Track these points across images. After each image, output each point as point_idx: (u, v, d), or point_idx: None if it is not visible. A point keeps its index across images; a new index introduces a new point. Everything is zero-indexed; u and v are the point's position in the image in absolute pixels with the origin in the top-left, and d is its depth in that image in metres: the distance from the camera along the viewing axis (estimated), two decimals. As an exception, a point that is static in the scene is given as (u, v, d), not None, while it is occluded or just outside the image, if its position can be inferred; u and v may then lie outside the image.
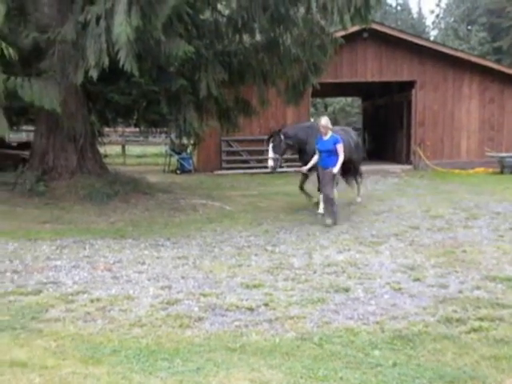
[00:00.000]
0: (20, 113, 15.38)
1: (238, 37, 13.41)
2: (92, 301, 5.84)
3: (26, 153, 15.82)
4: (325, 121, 10.43)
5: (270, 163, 11.25)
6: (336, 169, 10.13)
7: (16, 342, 4.76)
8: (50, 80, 10.30)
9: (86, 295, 6.04)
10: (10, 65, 9.34)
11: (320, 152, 10.34)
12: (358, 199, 12.68)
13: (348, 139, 11.68)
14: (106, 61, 9.04)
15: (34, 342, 4.76)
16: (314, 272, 7.03)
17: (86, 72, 9.69)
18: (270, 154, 11.23)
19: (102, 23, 8.94)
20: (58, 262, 7.41)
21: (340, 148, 10.14)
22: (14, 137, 25.80)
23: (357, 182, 12.86)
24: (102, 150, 14.86)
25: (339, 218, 10.31)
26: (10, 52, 8.64)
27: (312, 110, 29.35)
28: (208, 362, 4.39)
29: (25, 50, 10.05)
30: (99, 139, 15.28)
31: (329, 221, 10.05)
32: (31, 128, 21.64)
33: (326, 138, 10.29)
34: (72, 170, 12.25)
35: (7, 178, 12.61)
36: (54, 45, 10.36)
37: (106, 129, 17.96)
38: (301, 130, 11.70)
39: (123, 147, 25.57)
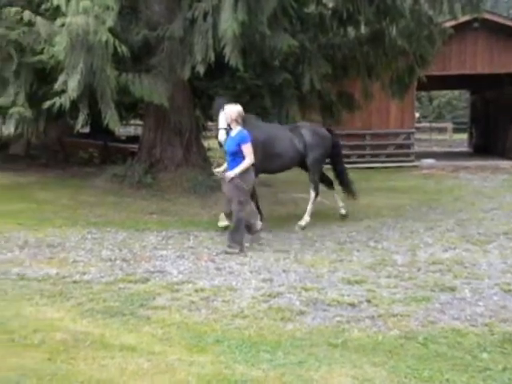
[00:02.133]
0: (129, 108, 16.07)
1: (342, 30, 13.27)
2: (196, 290, 5.98)
3: (135, 146, 16.49)
4: (231, 109, 7.80)
5: (221, 136, 8.57)
6: (231, 174, 7.59)
7: (125, 327, 4.96)
8: (159, 76, 10.65)
9: (190, 285, 6.19)
10: (121, 61, 9.73)
11: (226, 153, 7.99)
12: (302, 222, 9.51)
13: (288, 138, 9.40)
14: (212, 56, 9.24)
15: (142, 328, 4.94)
16: (418, 270, 6.84)
17: (193, 67, 9.94)
18: (221, 123, 8.54)
19: (209, 19, 9.14)
20: (164, 252, 7.65)
21: (247, 149, 7.61)
22: (122, 131, 27.00)
23: (311, 198, 9.79)
24: (205, 143, 15.21)
25: (245, 244, 7.86)
26: (123, 49, 9.00)
27: (416, 103, 28.56)
28: (310, 356, 4.38)
29: (135, 47, 10.43)
30: (203, 133, 15.65)
31: (232, 249, 7.64)
32: (139, 122, 22.55)
33: (233, 134, 7.81)
34: (177, 162, 12.62)
35: (117, 171, 13.17)
36: (162, 41, 10.70)
37: (210, 123, 18.34)
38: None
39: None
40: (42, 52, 9.46)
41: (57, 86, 9.06)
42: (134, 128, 30.19)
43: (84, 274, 6.57)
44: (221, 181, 8.37)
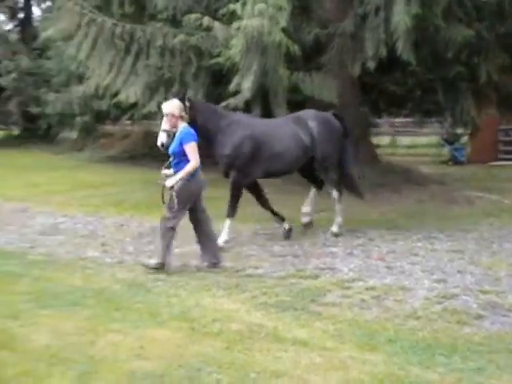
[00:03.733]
0: (297, 106, 16.30)
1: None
2: (367, 289, 5.93)
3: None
4: (169, 106, 6.69)
5: (161, 139, 6.94)
6: (171, 182, 6.43)
7: (297, 322, 5.05)
8: (329, 73, 10.71)
9: (361, 283, 6.15)
10: (293, 61, 9.91)
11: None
12: (334, 228, 8.56)
13: (292, 131, 8.12)
14: (384, 51, 9.09)
15: (313, 323, 5.00)
16: None
17: (363, 63, 9.86)
18: (164, 125, 6.95)
19: (381, 14, 9.02)
20: (334, 249, 7.67)
21: (190, 149, 6.43)
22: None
23: (336, 198, 8.68)
24: (374, 140, 15.01)
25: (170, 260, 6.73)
26: (295, 48, 9.18)
27: None
28: (490, 363, 4.15)
29: (306, 46, 10.56)
30: (371, 130, 15.45)
31: (153, 261, 6.59)
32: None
33: (178, 132, 6.65)
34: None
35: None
36: (333, 39, 10.73)
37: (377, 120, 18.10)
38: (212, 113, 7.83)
39: (393, 137, 25.48)
40: (218, 55, 9.95)
41: (231, 88, 9.46)
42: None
43: (257, 268, 6.79)
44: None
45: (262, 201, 8.34)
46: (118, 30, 11.34)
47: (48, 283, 5.98)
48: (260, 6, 8.45)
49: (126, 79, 11.75)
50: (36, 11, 30.19)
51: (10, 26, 29.64)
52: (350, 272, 6.57)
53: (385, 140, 24.04)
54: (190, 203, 6.59)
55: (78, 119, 22.11)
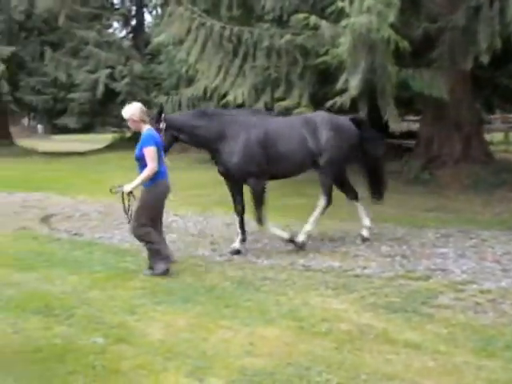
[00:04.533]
0: (405, 103, 15.92)
1: None
2: (482, 292, 5.69)
3: (409, 142, 16.31)
4: (128, 110, 6.37)
5: None
6: (129, 187, 6.26)
7: (408, 324, 4.93)
8: (439, 69, 10.38)
9: (474, 285, 5.91)
10: (401, 57, 9.70)
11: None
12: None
13: (298, 134, 7.60)
14: (499, 44, 8.69)
15: (425, 326, 4.86)
16: None
17: (476, 58, 9.47)
18: None
19: (496, 5, 8.61)
20: (445, 250, 7.42)
21: (148, 153, 6.13)
22: (396, 127, 26.87)
23: (320, 205, 7.87)
24: (487, 137, 14.39)
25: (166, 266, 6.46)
26: (404, 44, 8.97)
27: None
28: None
29: (415, 41, 10.29)
30: (485, 126, 14.83)
31: (148, 271, 6.43)
32: (412, 118, 22.20)
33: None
34: (456, 158, 12.17)
35: (392, 167, 13.16)
36: (443, 33, 10.39)
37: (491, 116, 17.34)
38: (200, 118, 7.44)
39: (506, 134, 24.31)
40: (325, 54, 9.90)
41: (338, 86, 9.39)
42: (407, 124, 29.86)
43: (365, 268, 6.70)
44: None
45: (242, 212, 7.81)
46: (227, 33, 11.57)
47: (161, 279, 6.19)
48: (368, 2, 8.33)
49: (233, 81, 11.98)
50: (148, 18, 31.44)
51: (123, 33, 31.08)
52: (462, 274, 6.33)
53: (498, 137, 23.01)
54: (157, 208, 6.38)
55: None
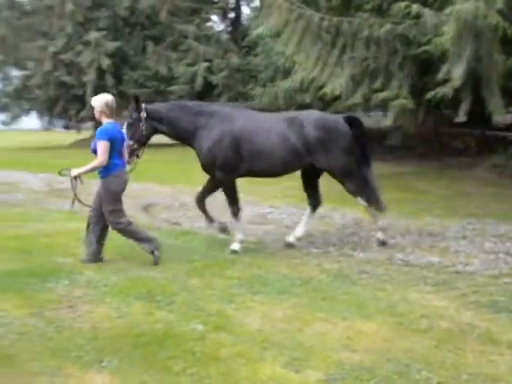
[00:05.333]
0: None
1: None
2: None
3: (512, 134, 15.55)
4: (94, 100, 6.50)
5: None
6: (75, 172, 6.36)
7: (513, 324, 4.74)
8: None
9: None
10: (509, 44, 9.23)
11: None
12: (379, 235, 7.54)
13: (279, 131, 7.15)
14: None
15: (534, 328, 4.65)
16: None
17: None
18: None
19: None
20: None
21: (99, 147, 6.23)
22: (499, 118, 25.70)
23: (365, 206, 7.55)
24: None
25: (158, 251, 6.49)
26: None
27: None
28: None
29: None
30: None
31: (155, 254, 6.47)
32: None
33: None
34: None
35: (497, 161, 12.64)
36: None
37: None
38: (181, 110, 7.27)
39: None
40: (427, 43, 9.61)
41: (440, 76, 9.09)
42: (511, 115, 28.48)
43: (466, 264, 6.48)
44: None
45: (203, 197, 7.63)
46: (325, 24, 11.48)
47: (258, 270, 6.26)
48: (476, -13, 8.00)
49: (331, 72, 11.87)
50: (245, 11, 31.74)
51: (221, 27, 31.54)
52: None
53: None
54: (118, 199, 6.38)
55: (283, 113, 22.84)
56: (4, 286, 5.59)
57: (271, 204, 10.72)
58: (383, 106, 17.92)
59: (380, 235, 7.49)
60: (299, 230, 7.61)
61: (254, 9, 28.56)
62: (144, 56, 27.86)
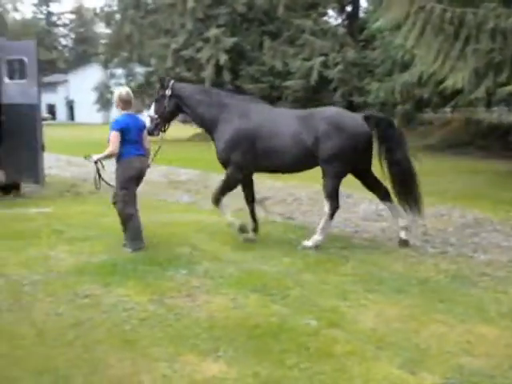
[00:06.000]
0: None
1: None
2: None
3: None
4: (115, 93, 7.16)
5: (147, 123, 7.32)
6: (95, 157, 6.84)
7: None
8: None
9: None
10: None
11: None
12: (402, 235, 7.14)
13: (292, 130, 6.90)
14: None
15: None
16: None
17: None
18: (150, 111, 7.50)
19: None
20: None
21: (111, 137, 6.73)
22: None
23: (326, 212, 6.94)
24: None
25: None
26: None
27: None
28: None
29: None
30: None
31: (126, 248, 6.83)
32: None
33: None
34: None
35: None
36: None
37: None
38: (207, 95, 7.43)
39: None
40: None
41: None
42: None
43: None
44: None
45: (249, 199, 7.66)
46: (448, 16, 11.06)
47: (372, 267, 6.16)
48: None
49: (453, 65, 11.43)
50: (363, 4, 31.26)
51: (338, 21, 31.25)
52: None
53: None
54: (129, 184, 6.78)
55: (399, 108, 22.33)
56: (126, 272, 5.89)
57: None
58: (508, 100, 17.06)
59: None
60: (401, 222, 7.23)
61: (372, 1, 28.02)
62: (260, 51, 28.21)
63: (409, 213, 7.15)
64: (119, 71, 34.92)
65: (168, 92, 7.38)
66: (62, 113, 72.21)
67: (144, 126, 7.07)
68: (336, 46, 26.40)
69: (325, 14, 30.10)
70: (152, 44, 29.46)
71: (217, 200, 7.22)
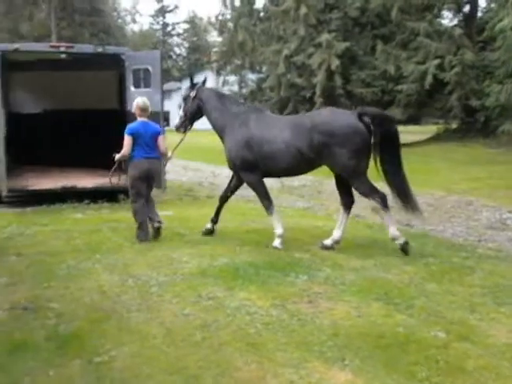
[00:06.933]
0: None
1: None
2: None
3: None
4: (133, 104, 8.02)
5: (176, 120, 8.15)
6: (117, 156, 7.74)
7: None
8: None
9: None
10: None
11: None
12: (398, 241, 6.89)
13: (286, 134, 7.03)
14: None
15: None
16: None
17: None
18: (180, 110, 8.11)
19: None
20: None
21: (124, 141, 7.68)
22: None
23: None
24: None
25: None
26: None
27: None
28: None
29: None
30: None
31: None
32: None
33: None
34: None
35: None
36: None
37: None
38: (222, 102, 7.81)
39: None
40: None
41: None
42: None
43: None
44: None
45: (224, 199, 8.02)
46: None
47: (501, 279, 5.87)
48: None
49: None
50: (481, 3, 29.98)
51: (454, 22, 30.12)
52: None
53: None
54: (136, 183, 7.63)
55: (522, 111, 21.19)
56: (248, 276, 5.96)
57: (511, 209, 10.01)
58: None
59: (397, 242, 6.87)
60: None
61: (496, 0, 26.79)
62: (372, 55, 27.76)
63: (409, 212, 7.01)
64: (232, 78, 35.67)
65: (193, 93, 7.85)
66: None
67: (158, 132, 7.80)
68: (452, 47, 25.43)
69: (440, 15, 29.13)
70: (264, 51, 29.84)
71: (267, 208, 7.49)
